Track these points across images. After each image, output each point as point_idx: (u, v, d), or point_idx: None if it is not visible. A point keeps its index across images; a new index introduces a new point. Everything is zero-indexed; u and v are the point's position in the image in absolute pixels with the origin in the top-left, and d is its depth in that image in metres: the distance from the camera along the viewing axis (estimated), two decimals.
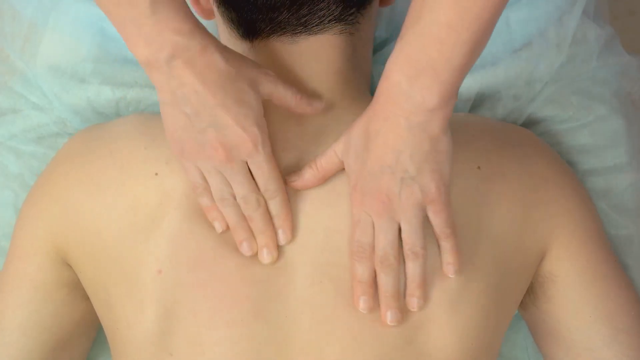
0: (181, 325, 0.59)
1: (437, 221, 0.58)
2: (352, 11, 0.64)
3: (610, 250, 0.67)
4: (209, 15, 0.68)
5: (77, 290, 0.66)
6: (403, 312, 0.58)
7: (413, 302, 0.58)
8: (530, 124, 0.77)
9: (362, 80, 0.68)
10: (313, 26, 0.63)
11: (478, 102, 0.77)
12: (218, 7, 0.66)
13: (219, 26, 0.68)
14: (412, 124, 0.53)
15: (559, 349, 0.66)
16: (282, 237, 0.59)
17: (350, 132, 0.58)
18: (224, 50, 0.56)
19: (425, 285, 0.58)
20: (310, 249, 0.59)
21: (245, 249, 0.59)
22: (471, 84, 0.75)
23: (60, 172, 0.66)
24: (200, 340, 0.58)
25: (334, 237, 0.59)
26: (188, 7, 0.55)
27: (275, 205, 0.60)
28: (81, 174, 0.64)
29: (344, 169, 0.60)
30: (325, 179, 0.60)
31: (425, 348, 0.58)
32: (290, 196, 0.61)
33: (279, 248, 0.59)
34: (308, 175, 0.60)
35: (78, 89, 0.76)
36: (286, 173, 0.61)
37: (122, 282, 0.61)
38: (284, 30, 0.64)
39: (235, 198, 0.59)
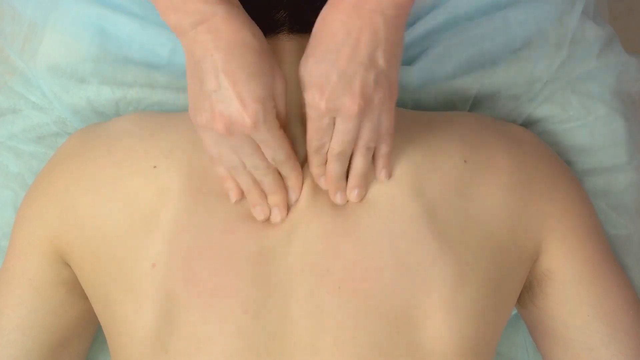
0: (176, 322, 0.59)
1: (389, 122, 0.58)
2: None
3: (608, 250, 0.67)
4: None
5: (76, 289, 0.66)
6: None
7: (354, 193, 0.60)
8: (529, 123, 0.77)
9: None
10: (311, 24, 0.63)
11: (477, 101, 0.77)
12: None
13: None
14: (388, 19, 0.54)
15: (558, 348, 0.66)
16: (292, 196, 0.61)
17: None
18: (252, 24, 0.56)
19: (368, 177, 0.60)
20: (299, 241, 0.60)
21: (258, 212, 0.60)
22: (471, 83, 0.75)
23: (59, 171, 0.66)
24: (196, 336, 0.58)
25: (314, 227, 0.60)
26: None
27: (285, 169, 0.60)
28: (80, 172, 0.64)
29: None
30: None
31: (417, 338, 0.58)
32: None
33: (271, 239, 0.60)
34: None
35: (78, 89, 0.76)
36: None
37: (119, 278, 0.61)
38: (281, 27, 0.64)
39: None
